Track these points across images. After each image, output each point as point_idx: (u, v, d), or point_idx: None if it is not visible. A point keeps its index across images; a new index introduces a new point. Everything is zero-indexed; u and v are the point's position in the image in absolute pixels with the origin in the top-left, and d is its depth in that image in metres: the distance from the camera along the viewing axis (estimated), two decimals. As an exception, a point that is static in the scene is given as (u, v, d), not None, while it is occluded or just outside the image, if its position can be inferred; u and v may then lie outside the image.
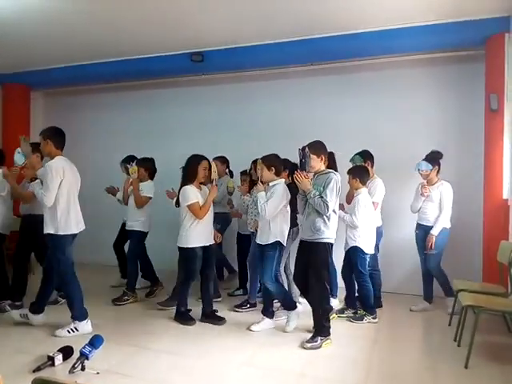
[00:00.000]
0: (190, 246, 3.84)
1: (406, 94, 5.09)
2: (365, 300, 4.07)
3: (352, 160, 4.36)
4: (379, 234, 4.33)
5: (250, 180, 4.32)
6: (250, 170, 4.38)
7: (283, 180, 3.76)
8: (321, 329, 3.42)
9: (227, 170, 5.05)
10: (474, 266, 4.47)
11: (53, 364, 2.95)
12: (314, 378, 2.91)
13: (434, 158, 4.23)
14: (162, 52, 5.31)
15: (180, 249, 3.91)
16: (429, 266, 4.26)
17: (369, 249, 4.04)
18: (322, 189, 3.33)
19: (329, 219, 3.35)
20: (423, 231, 4.27)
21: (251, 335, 3.69)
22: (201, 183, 3.97)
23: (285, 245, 3.76)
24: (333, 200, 3.31)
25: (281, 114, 5.62)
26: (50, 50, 5.38)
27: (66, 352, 3.08)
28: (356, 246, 4.02)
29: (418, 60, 4.90)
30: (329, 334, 3.44)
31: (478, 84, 4.56)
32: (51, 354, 2.99)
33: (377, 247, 4.33)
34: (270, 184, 3.69)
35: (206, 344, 3.47)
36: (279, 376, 2.92)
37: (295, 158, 5.23)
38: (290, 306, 3.78)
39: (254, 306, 4.34)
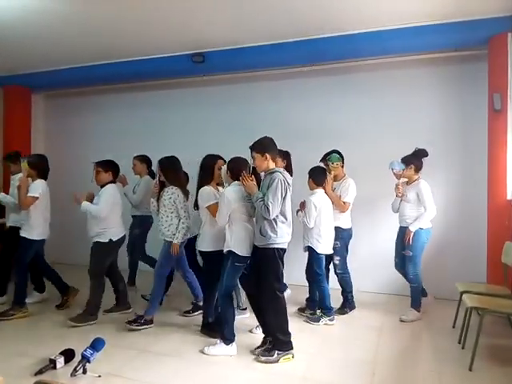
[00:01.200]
0: (216, 249, 3.52)
1: (407, 95, 5.05)
2: (321, 301, 4.01)
3: (330, 159, 4.27)
4: (349, 235, 4.24)
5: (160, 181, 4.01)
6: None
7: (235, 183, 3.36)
8: (276, 343, 3.18)
9: (148, 170, 4.99)
10: (478, 267, 4.43)
11: (54, 367, 2.95)
12: (316, 381, 2.89)
13: (412, 157, 4.16)
14: (163, 53, 5.29)
15: (207, 253, 3.62)
16: (407, 270, 4.13)
17: (323, 249, 3.98)
18: (265, 190, 3.11)
19: (276, 223, 3.09)
20: (402, 233, 4.19)
21: (253, 338, 3.64)
22: (217, 184, 3.75)
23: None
24: (275, 202, 3.03)
25: (281, 115, 5.58)
26: (51, 52, 5.36)
27: (68, 355, 3.07)
28: (309, 247, 3.98)
29: (420, 60, 4.87)
30: (289, 349, 3.19)
31: (480, 84, 4.52)
32: (53, 357, 2.99)
33: (346, 248, 4.25)
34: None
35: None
36: (281, 380, 2.90)
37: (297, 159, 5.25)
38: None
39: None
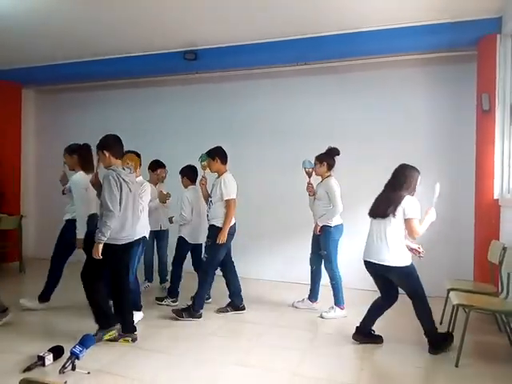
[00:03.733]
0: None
1: (399, 94, 5.11)
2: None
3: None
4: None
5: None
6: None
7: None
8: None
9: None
10: (465, 265, 4.50)
11: (43, 364, 2.93)
12: (306, 377, 2.91)
13: (325, 155, 4.27)
14: (156, 50, 5.27)
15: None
16: (325, 268, 4.28)
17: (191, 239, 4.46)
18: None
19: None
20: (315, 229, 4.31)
21: (244, 334, 3.68)
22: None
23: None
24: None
25: (275, 113, 5.62)
26: (42, 47, 5.33)
27: (57, 352, 3.05)
28: (180, 236, 4.48)
29: (411, 60, 4.92)
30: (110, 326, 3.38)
31: (470, 84, 4.58)
32: (41, 354, 2.97)
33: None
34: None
35: (197, 343, 3.46)
36: (272, 375, 2.92)
37: (285, 157, 5.27)
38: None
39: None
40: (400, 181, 3.38)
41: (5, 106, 6.48)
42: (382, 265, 3.28)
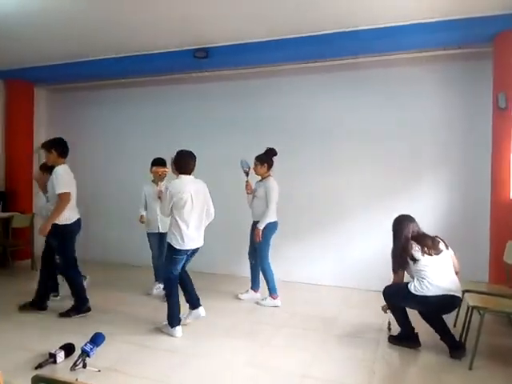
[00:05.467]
0: None
1: (410, 92, 5.03)
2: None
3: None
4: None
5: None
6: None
7: (185, 178, 3.61)
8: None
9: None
10: (480, 266, 4.41)
11: (54, 361, 2.95)
12: (316, 379, 2.88)
13: (264, 155, 4.46)
14: (166, 48, 5.24)
15: None
16: (257, 258, 4.51)
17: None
18: None
19: None
20: (253, 226, 4.53)
21: (255, 335, 3.66)
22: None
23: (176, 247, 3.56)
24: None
25: (285, 111, 5.57)
26: (54, 46, 5.34)
27: (68, 349, 3.07)
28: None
29: (423, 57, 4.82)
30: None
31: (484, 82, 4.48)
32: (53, 352, 2.99)
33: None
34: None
35: (207, 343, 3.45)
36: (282, 377, 2.89)
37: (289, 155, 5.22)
38: None
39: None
40: None
41: (18, 105, 6.55)
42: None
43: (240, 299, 4.65)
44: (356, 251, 5.23)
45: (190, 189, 3.55)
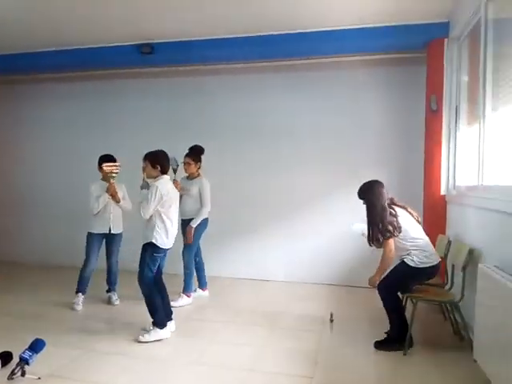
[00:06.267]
0: None
1: (354, 94, 5.26)
2: None
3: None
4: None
5: None
6: None
7: (166, 177, 3.62)
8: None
9: None
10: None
11: (-10, 371, 2.80)
12: (263, 372, 2.97)
13: (191, 153, 4.49)
14: (112, 43, 5.11)
15: None
16: (183, 257, 4.51)
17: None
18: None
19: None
20: (184, 225, 4.49)
21: (201, 333, 3.69)
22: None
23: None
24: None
25: (233, 109, 5.62)
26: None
27: (5, 358, 2.93)
28: None
29: (365, 61, 5.06)
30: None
31: (421, 85, 4.77)
32: (-12, 361, 2.84)
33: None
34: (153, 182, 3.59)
35: (154, 344, 3.42)
36: (229, 373, 2.95)
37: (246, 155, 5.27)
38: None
39: None
40: None
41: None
42: None
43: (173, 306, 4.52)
44: (301, 247, 5.41)
45: (171, 189, 3.63)
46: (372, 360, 3.17)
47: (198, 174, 4.54)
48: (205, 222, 4.54)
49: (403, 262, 3.34)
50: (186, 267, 4.51)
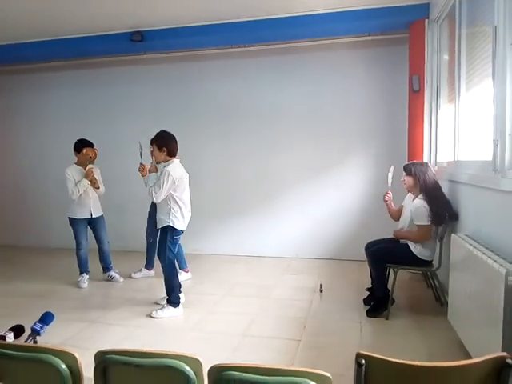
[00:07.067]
0: None
1: (341, 75, 5.42)
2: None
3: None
4: None
5: None
6: None
7: (176, 161, 3.71)
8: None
9: None
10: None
11: (4, 342, 3.04)
12: (255, 336, 3.25)
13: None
14: (101, 31, 5.19)
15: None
16: (146, 235, 4.71)
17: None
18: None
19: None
20: (152, 208, 4.51)
21: (199, 305, 3.95)
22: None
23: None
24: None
25: (224, 95, 5.77)
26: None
27: (17, 331, 3.17)
28: None
29: (349, 43, 5.19)
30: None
31: (405, 65, 4.93)
32: (2, 333, 3.08)
33: None
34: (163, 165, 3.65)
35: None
36: (224, 337, 3.22)
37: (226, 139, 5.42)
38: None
39: None
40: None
41: None
42: None
43: (133, 278, 4.78)
44: (293, 224, 5.67)
45: (183, 172, 3.73)
46: (356, 324, 3.43)
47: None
48: None
49: (407, 245, 3.56)
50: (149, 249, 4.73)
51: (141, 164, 3.88)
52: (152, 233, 4.55)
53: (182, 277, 4.74)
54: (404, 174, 3.69)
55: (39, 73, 6.35)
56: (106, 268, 4.76)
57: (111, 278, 4.72)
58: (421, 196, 3.52)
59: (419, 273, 4.36)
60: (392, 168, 3.97)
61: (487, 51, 2.81)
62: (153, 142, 3.66)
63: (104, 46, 5.39)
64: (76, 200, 4.42)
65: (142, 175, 3.85)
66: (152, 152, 3.69)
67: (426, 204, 3.43)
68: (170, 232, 3.67)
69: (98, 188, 4.52)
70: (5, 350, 1.53)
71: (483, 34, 3.02)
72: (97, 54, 5.72)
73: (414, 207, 3.51)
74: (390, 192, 3.96)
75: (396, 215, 3.92)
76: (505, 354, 1.29)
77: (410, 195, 3.79)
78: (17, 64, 6.16)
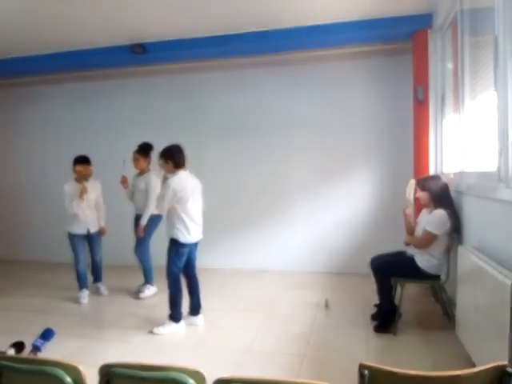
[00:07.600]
0: None
1: (344, 86, 5.41)
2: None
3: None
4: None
5: None
6: None
7: (182, 173, 3.66)
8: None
9: None
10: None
11: (4, 359, 3.00)
12: (258, 352, 3.18)
13: (140, 150, 4.52)
14: (103, 44, 5.20)
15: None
16: (135, 251, 4.60)
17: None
18: None
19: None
20: (137, 220, 4.56)
21: (204, 317, 3.86)
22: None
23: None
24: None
25: (228, 105, 5.78)
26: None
27: (18, 347, 3.12)
28: None
29: (352, 53, 5.19)
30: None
31: (408, 75, 4.88)
32: (3, 350, 3.03)
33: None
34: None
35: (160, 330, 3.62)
36: (227, 353, 3.15)
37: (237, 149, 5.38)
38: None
39: None
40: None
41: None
42: None
43: (141, 298, 4.62)
44: (298, 237, 5.60)
45: (190, 184, 3.65)
46: (362, 339, 3.35)
47: (148, 170, 4.54)
48: (156, 218, 4.43)
49: (412, 258, 3.47)
50: (144, 262, 4.64)
51: (123, 176, 4.38)
52: (137, 246, 4.60)
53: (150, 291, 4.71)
54: (418, 189, 3.63)
55: (39, 86, 6.39)
56: (95, 279, 4.80)
57: (97, 290, 4.75)
58: (442, 208, 3.41)
59: (427, 286, 4.26)
60: (412, 181, 3.84)
61: (490, 60, 2.77)
62: (160, 155, 3.70)
63: (106, 59, 5.41)
64: (72, 216, 4.47)
65: (124, 187, 4.44)
66: (160, 165, 3.72)
67: (448, 216, 3.34)
68: (175, 245, 3.63)
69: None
70: (10, 363, 1.53)
71: (486, 43, 2.98)
72: (97, 67, 5.74)
73: (435, 213, 3.41)
74: (410, 206, 3.84)
75: (412, 232, 3.78)
76: (505, 362, 1.27)
77: (425, 211, 3.70)
78: (17, 77, 6.20)
